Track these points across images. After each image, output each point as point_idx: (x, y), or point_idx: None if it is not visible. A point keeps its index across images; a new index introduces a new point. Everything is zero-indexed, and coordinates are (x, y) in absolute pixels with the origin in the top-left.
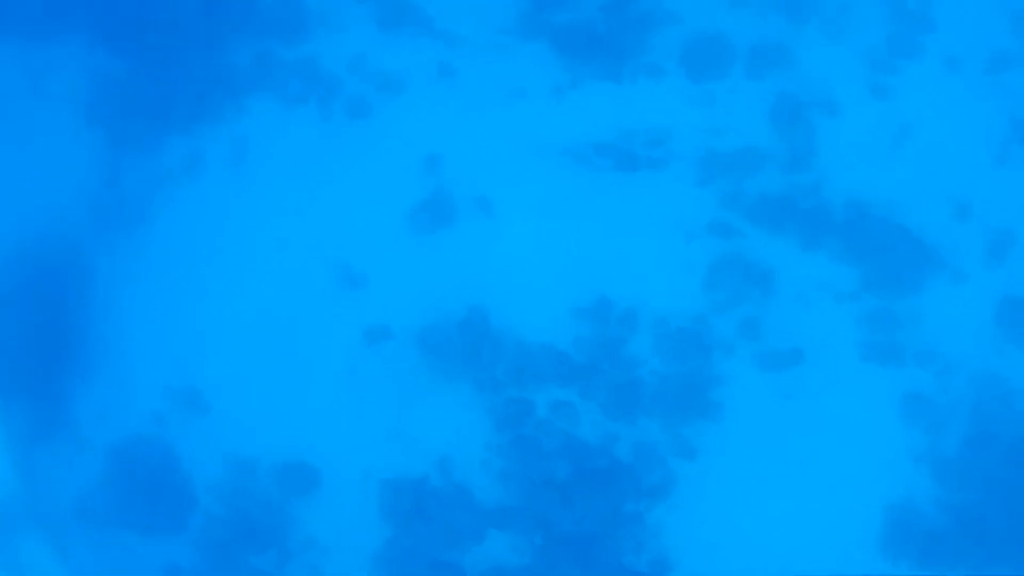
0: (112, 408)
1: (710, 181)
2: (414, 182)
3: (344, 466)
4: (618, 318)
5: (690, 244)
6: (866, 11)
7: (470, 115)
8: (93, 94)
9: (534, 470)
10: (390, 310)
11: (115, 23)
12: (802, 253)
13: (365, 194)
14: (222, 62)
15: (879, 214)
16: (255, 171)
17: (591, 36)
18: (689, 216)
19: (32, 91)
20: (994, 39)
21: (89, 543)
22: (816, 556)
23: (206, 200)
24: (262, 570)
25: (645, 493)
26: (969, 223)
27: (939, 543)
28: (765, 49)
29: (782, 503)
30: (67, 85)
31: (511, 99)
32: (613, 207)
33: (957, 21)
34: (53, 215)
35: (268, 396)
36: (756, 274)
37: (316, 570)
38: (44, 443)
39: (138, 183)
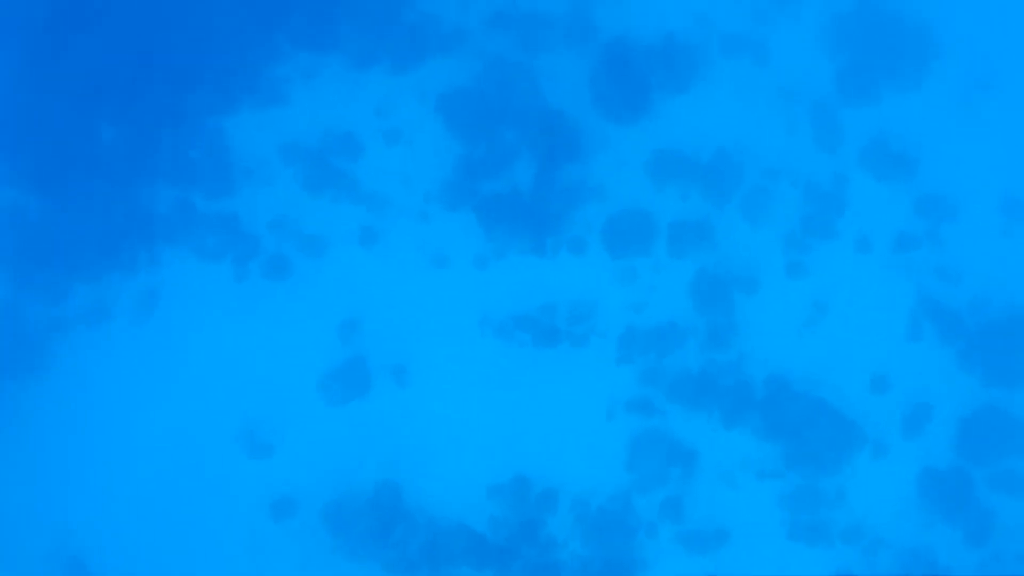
0: None
1: (631, 358)
2: (329, 348)
3: None
4: (536, 497)
5: (611, 422)
6: (783, 192)
7: (391, 282)
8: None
9: None
10: (297, 483)
11: (32, 157)
12: (724, 431)
13: (277, 358)
14: (140, 209)
15: (799, 389)
16: (163, 326)
17: (517, 208)
18: (610, 393)
19: None
20: (900, 220)
21: None
22: None
23: (108, 353)
24: None
25: None
26: (886, 396)
27: None
28: (686, 227)
29: None
30: None
31: (433, 267)
32: (532, 382)
33: (866, 204)
34: None
35: (162, 572)
36: (678, 452)
37: None
38: None
39: (38, 329)
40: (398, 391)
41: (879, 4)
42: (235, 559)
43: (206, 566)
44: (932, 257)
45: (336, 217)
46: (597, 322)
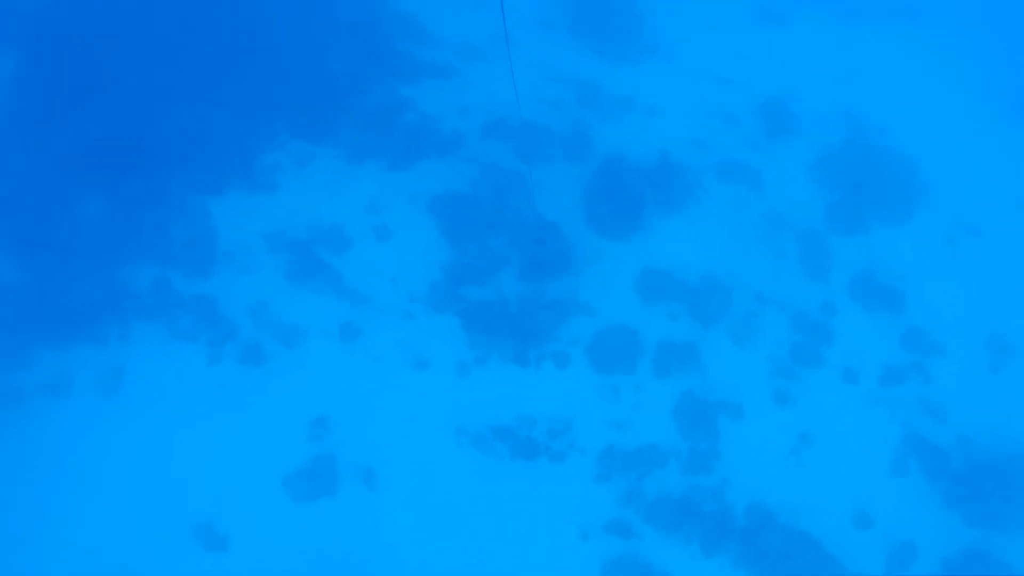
0: None
1: (609, 477)
2: (298, 443)
3: None
4: None
5: (585, 542)
6: (771, 318)
7: (367, 380)
8: None
9: None
10: None
11: (12, 220)
12: (703, 559)
13: (244, 447)
14: (116, 282)
15: (781, 520)
16: (127, 405)
17: (502, 316)
18: (586, 513)
19: None
20: (887, 354)
21: None
22: None
23: (66, 428)
24: None
25: None
26: (870, 532)
27: None
28: (673, 347)
29: None
30: None
31: (412, 370)
32: (506, 496)
33: (854, 334)
34: None
35: None
36: None
37: None
38: None
39: None
40: (366, 494)
41: (869, 141)
42: None
43: None
44: (919, 392)
45: (317, 309)
46: (577, 437)
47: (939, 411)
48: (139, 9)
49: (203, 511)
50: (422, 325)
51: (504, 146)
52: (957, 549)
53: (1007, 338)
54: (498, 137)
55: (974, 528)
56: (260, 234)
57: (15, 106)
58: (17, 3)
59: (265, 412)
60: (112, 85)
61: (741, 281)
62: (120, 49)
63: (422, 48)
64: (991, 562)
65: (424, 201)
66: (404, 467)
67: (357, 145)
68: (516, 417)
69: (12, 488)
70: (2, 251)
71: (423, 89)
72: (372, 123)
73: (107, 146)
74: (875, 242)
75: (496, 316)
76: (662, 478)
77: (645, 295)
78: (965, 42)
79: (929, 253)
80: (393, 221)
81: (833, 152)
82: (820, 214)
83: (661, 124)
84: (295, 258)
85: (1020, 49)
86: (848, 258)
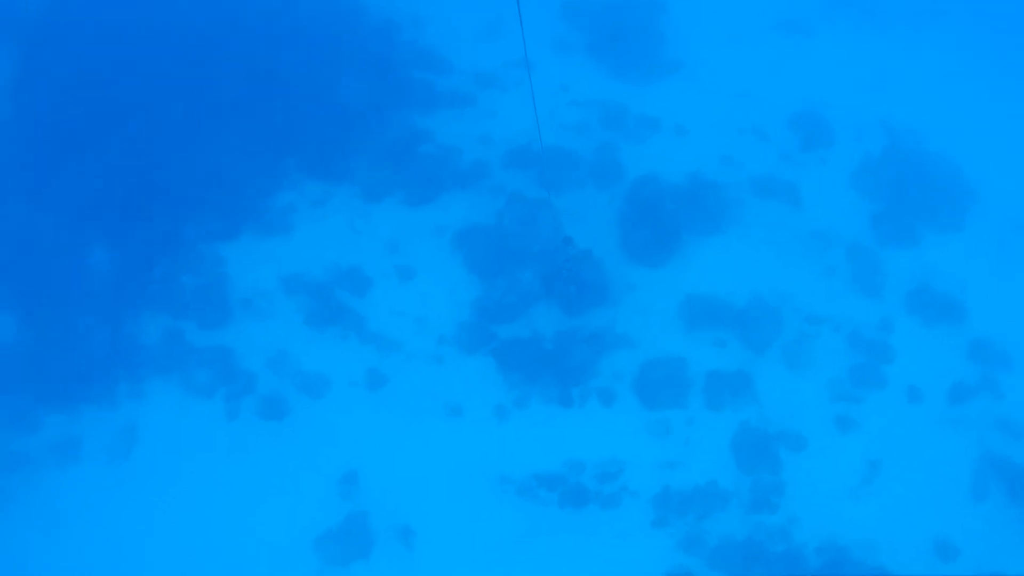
0: None
1: (667, 522)
2: (327, 502)
3: None
4: None
5: None
6: (826, 340)
7: (398, 431)
8: None
9: None
10: None
11: (13, 273)
12: None
13: (269, 510)
14: (125, 336)
15: (857, 557)
16: (141, 468)
17: (539, 354)
18: (644, 562)
19: None
20: (953, 369)
21: None
22: None
23: (76, 496)
24: None
25: None
26: (956, 564)
27: None
28: (724, 377)
29: None
30: None
31: (446, 417)
32: (557, 548)
33: (916, 351)
34: None
35: None
36: None
37: None
38: None
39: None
40: (404, 554)
41: (909, 147)
42: None
43: None
44: (991, 408)
45: (340, 356)
46: (629, 480)
47: (1015, 427)
48: (145, 49)
49: None
50: (454, 368)
51: (528, 174)
52: None
53: None
54: (522, 165)
55: None
56: (276, 279)
57: (15, 150)
58: (21, 43)
59: (290, 470)
60: (116, 128)
61: (790, 302)
62: (124, 91)
63: (437, 77)
64: None
65: (447, 236)
66: (444, 523)
67: (374, 181)
68: (563, 462)
69: (18, 561)
70: (1, 307)
71: (440, 119)
72: (388, 157)
73: (111, 192)
74: (927, 251)
75: (532, 354)
76: (724, 519)
77: (689, 323)
78: (997, 41)
79: (985, 259)
80: (416, 259)
81: (873, 162)
82: (866, 226)
83: (690, 143)
84: (314, 302)
85: None
86: (901, 270)
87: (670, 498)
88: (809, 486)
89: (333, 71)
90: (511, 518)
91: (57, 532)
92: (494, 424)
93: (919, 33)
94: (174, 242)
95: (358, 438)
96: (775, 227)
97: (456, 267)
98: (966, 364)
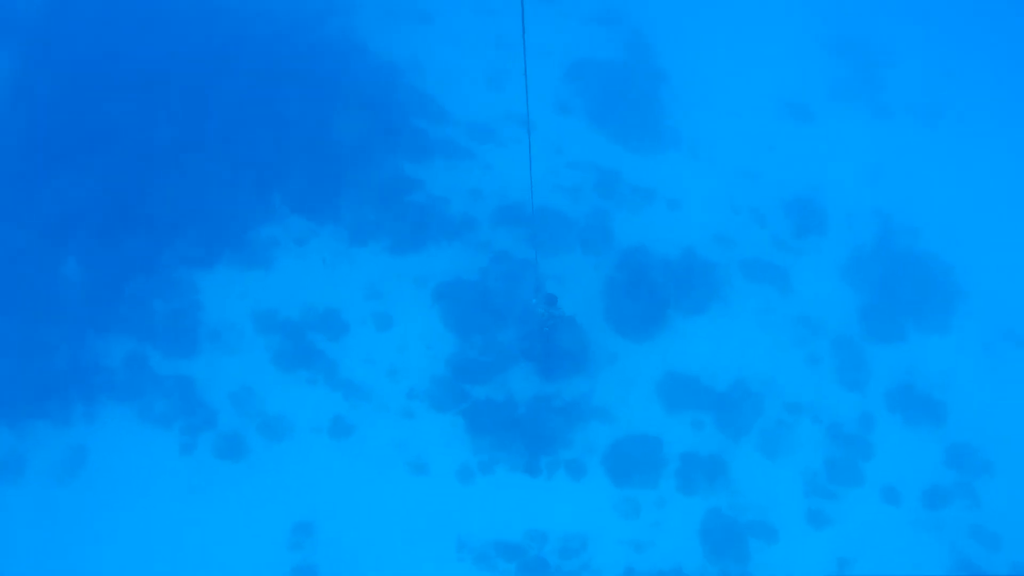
0: None
1: None
2: (275, 551)
3: None
4: None
5: None
6: (805, 430)
7: (357, 483)
8: None
9: None
10: None
11: None
12: None
13: (212, 552)
14: (86, 354)
15: None
16: (85, 491)
17: (511, 418)
18: None
19: None
20: (931, 472)
21: None
22: None
23: (15, 513)
24: None
25: None
26: None
27: None
28: (698, 460)
29: None
30: None
31: (409, 474)
32: None
33: (894, 450)
34: None
35: None
36: None
37: None
38: None
39: None
40: None
41: (901, 242)
42: None
43: None
44: (967, 515)
45: (307, 400)
46: (592, 558)
47: (990, 537)
48: (132, 67)
49: None
50: (422, 424)
51: (517, 233)
52: None
53: None
54: (511, 223)
55: None
56: (250, 313)
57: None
58: (13, 57)
59: (241, 512)
60: (104, 145)
61: (772, 389)
62: (111, 109)
63: (433, 125)
64: None
65: (429, 288)
66: None
67: (360, 224)
68: (524, 532)
69: None
70: None
71: (433, 168)
72: (377, 202)
73: (92, 207)
74: (913, 350)
75: (504, 418)
76: None
77: (668, 401)
78: (997, 142)
79: (970, 363)
80: (395, 308)
81: (865, 253)
82: (853, 318)
83: (684, 217)
84: (286, 342)
85: None
86: (885, 366)
87: None
88: None
89: (329, 109)
90: None
91: None
92: (457, 486)
93: (921, 129)
94: (150, 264)
95: (315, 487)
96: (762, 311)
97: (434, 320)
98: (944, 468)
